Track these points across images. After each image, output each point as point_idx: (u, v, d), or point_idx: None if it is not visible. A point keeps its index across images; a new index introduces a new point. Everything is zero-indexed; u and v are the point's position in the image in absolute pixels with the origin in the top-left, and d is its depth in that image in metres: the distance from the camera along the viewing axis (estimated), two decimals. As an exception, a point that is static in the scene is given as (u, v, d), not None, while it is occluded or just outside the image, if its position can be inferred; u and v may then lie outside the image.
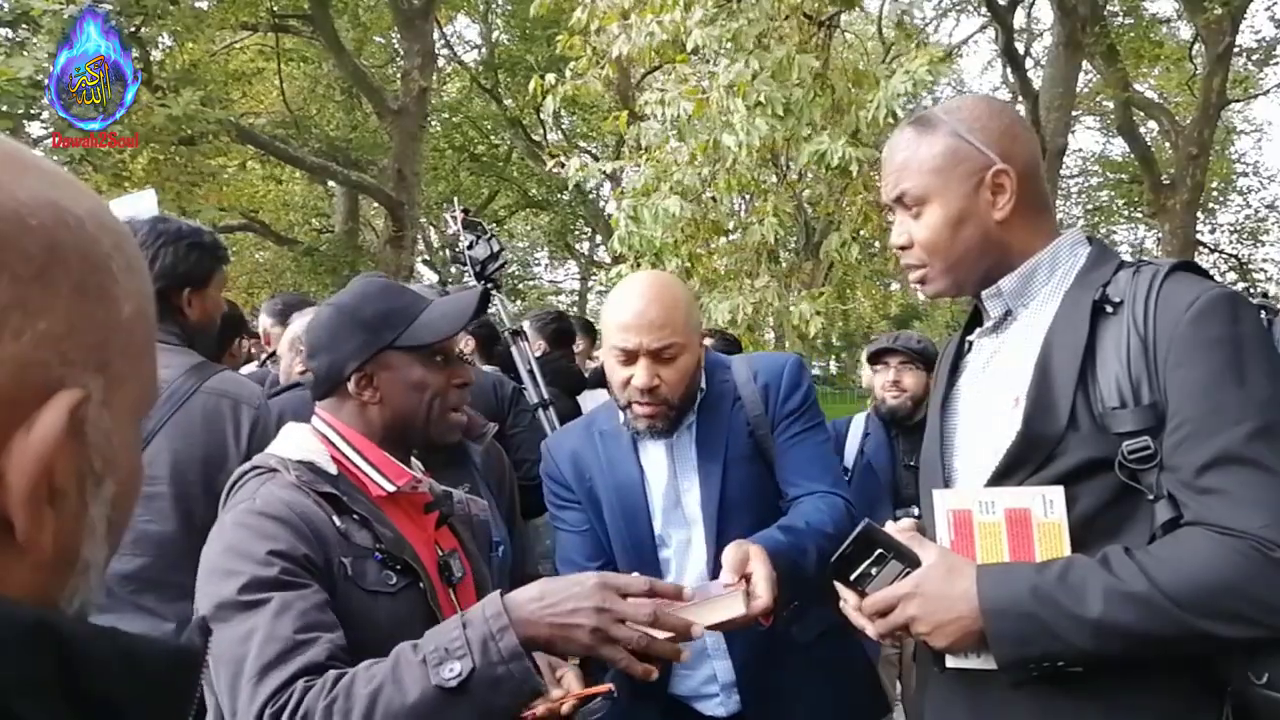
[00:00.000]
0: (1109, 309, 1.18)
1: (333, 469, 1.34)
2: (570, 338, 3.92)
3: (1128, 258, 1.30)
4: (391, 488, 1.35)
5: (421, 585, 1.30)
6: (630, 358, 1.68)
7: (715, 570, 1.65)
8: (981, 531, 1.21)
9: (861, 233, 5.39)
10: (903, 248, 1.33)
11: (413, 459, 1.49)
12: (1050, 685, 1.13)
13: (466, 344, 2.90)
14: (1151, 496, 1.11)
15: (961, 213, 1.26)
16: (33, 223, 0.41)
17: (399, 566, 1.28)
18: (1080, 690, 1.13)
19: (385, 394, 1.38)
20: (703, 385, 1.78)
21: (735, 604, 1.39)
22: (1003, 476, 1.21)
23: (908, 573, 1.21)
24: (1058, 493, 1.15)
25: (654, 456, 1.81)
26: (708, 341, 3.33)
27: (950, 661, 1.22)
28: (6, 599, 0.39)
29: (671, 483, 1.78)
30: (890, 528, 1.29)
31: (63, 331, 0.42)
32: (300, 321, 2.83)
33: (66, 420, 0.41)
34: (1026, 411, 1.18)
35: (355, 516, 1.29)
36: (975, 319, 1.40)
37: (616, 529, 1.79)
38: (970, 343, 1.39)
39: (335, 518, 1.27)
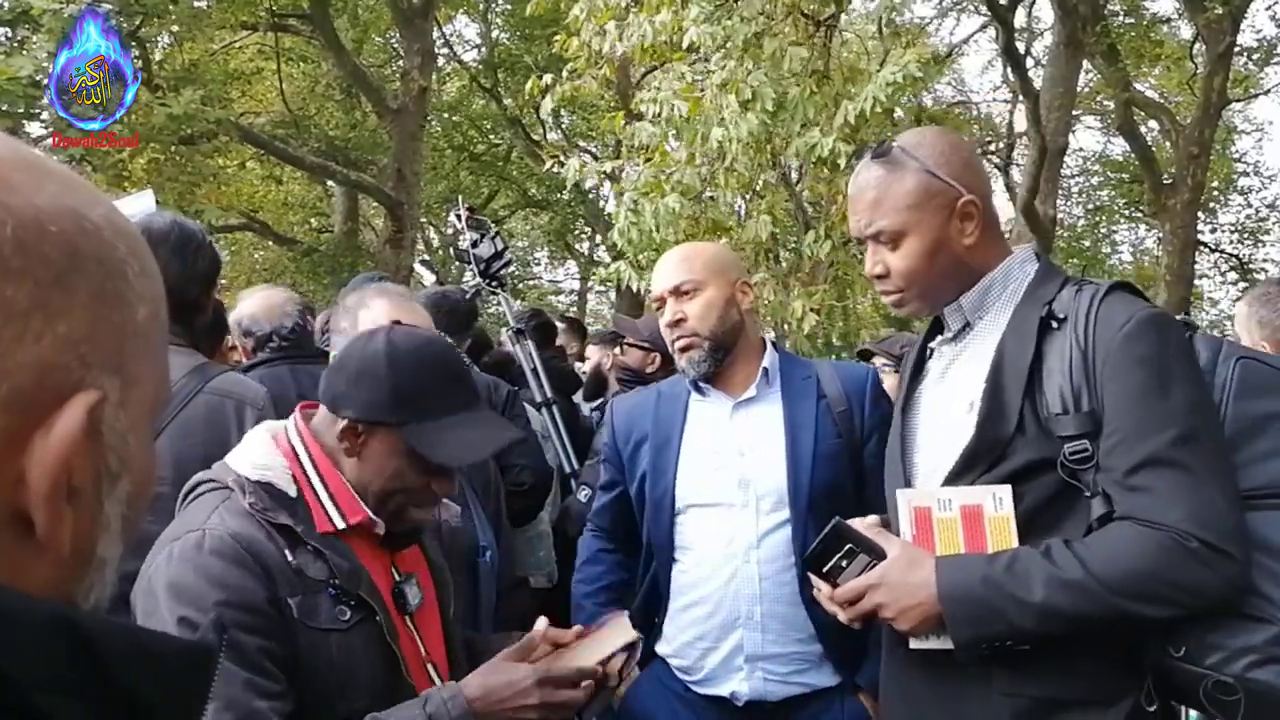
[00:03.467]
0: (1054, 324, 1.31)
1: (292, 490, 1.28)
2: (553, 333, 3.91)
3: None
4: (341, 525, 1.28)
5: (378, 618, 1.27)
6: (661, 304, 1.95)
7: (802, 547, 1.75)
8: (940, 526, 1.35)
9: (834, 232, 5.38)
10: (879, 276, 1.44)
11: None
12: (997, 663, 1.27)
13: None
14: (1089, 493, 1.24)
15: (936, 243, 1.38)
16: (53, 229, 0.43)
17: (353, 601, 1.25)
18: (1027, 666, 1.26)
19: (362, 456, 1.30)
20: (768, 365, 1.93)
21: (621, 630, 1.45)
22: (959, 474, 1.34)
23: (874, 565, 1.35)
24: (1006, 491, 1.29)
25: (706, 416, 1.93)
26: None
27: (913, 643, 1.35)
28: (25, 594, 0.40)
29: (722, 445, 1.88)
30: (857, 523, 1.41)
31: (81, 335, 0.43)
32: (244, 304, 2.82)
33: (85, 420, 0.42)
34: (980, 416, 1.32)
35: (310, 548, 1.24)
36: (936, 326, 1.52)
37: (647, 484, 1.93)
38: (931, 349, 1.51)
39: (288, 552, 1.22)
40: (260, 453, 1.31)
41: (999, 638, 1.24)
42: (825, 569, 1.37)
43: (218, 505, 1.24)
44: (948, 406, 1.41)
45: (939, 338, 1.49)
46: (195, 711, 0.45)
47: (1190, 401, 1.22)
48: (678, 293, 1.90)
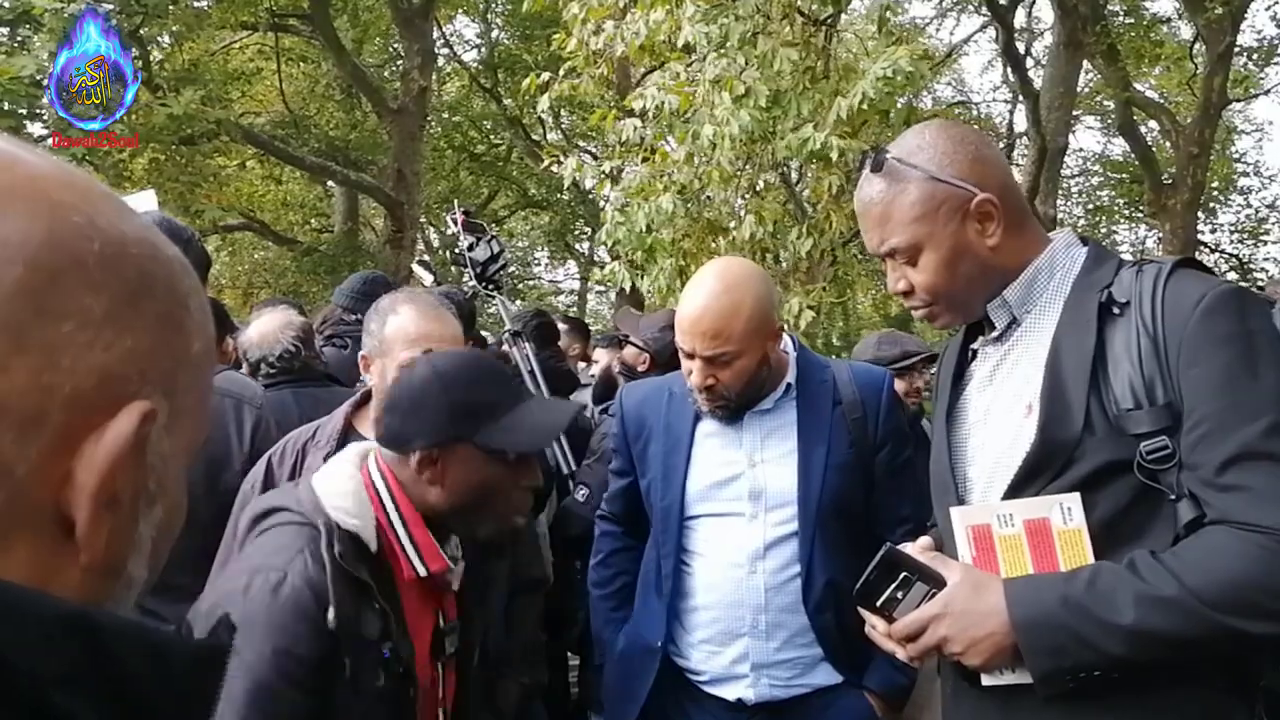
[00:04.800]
0: (1116, 310, 1.17)
1: (374, 544, 1.27)
2: (554, 334, 3.90)
3: (1126, 257, 1.29)
4: (424, 573, 1.30)
5: (411, 692, 1.27)
6: (690, 356, 1.80)
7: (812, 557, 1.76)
8: (1003, 545, 1.21)
9: (815, 230, 5.37)
10: (904, 293, 1.32)
11: None
12: (1083, 695, 1.12)
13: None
14: (1173, 496, 1.10)
15: (955, 251, 1.25)
16: (133, 252, 0.47)
17: (400, 668, 1.25)
18: (1115, 698, 1.11)
19: (447, 483, 1.31)
20: (791, 380, 1.88)
21: None
22: (1021, 484, 1.20)
23: (934, 593, 1.20)
24: (1075, 499, 1.15)
25: (718, 426, 1.89)
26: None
27: (985, 680, 1.20)
28: (44, 593, 0.41)
29: (734, 453, 1.86)
30: (909, 548, 1.27)
31: (144, 351, 0.46)
32: (261, 320, 2.84)
33: (137, 427, 0.45)
34: (1041, 418, 1.18)
35: (377, 607, 1.24)
36: (975, 326, 1.39)
37: (655, 489, 1.91)
38: (973, 351, 1.38)
39: (360, 608, 1.22)
40: (354, 498, 1.30)
41: (1084, 667, 1.09)
42: (879, 602, 1.22)
43: (303, 548, 1.22)
44: (1000, 412, 1.28)
45: (981, 338, 1.36)
46: (206, 709, 0.47)
47: None
48: (712, 361, 1.77)
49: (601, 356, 4.14)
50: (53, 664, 0.39)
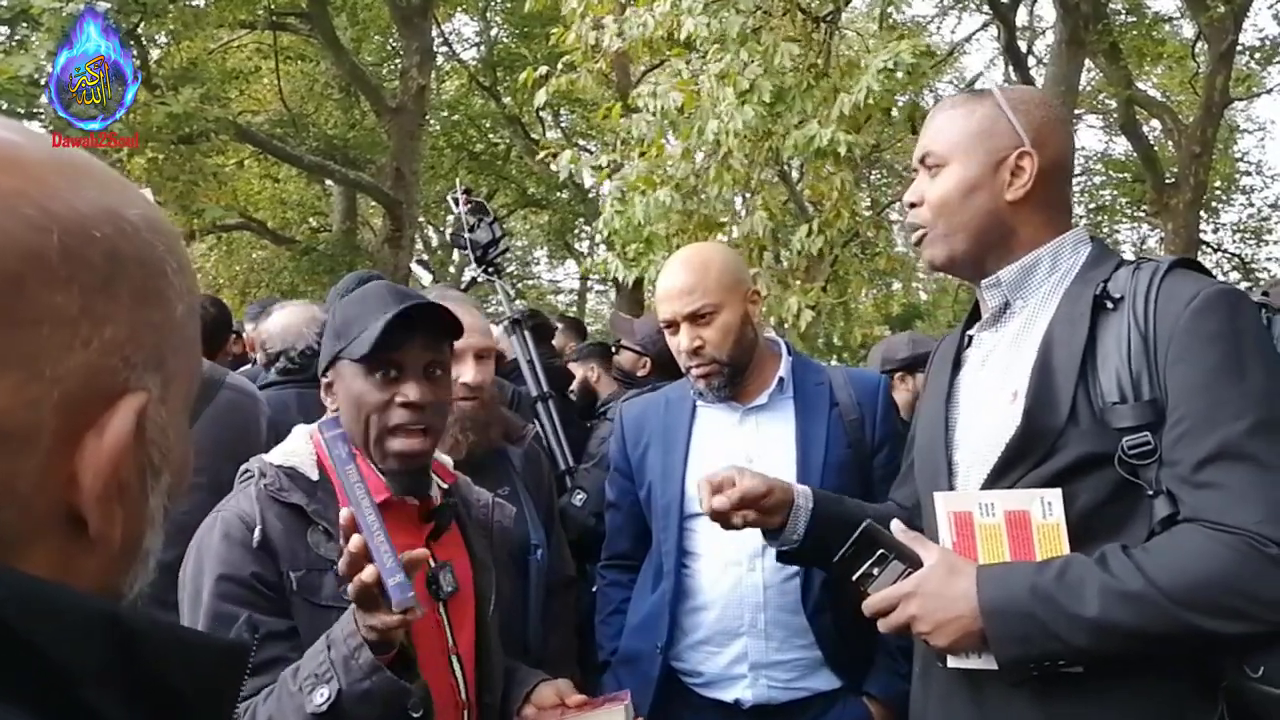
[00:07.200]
0: (1109, 305, 1.18)
1: (315, 474, 1.33)
2: (549, 333, 3.85)
3: (1129, 256, 1.29)
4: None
5: None
6: (674, 326, 1.84)
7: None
8: (982, 533, 1.23)
9: (829, 229, 5.32)
10: (913, 204, 1.35)
11: (443, 460, 1.49)
12: (1050, 684, 1.14)
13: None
14: (1151, 492, 1.11)
15: (976, 181, 1.27)
16: (96, 234, 0.43)
17: None
18: (1079, 689, 1.14)
19: (339, 404, 1.37)
20: (783, 374, 1.89)
21: (616, 716, 1.38)
22: (1002, 471, 1.22)
23: (909, 573, 1.22)
24: (1056, 495, 1.16)
25: (714, 421, 1.89)
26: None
27: (951, 662, 1.22)
28: (76, 592, 0.42)
29: (731, 451, 1.84)
30: (893, 527, 1.29)
31: (125, 337, 0.44)
32: (269, 320, 2.81)
33: (134, 423, 0.44)
34: (1027, 406, 1.18)
35: (321, 528, 1.29)
36: (975, 314, 1.42)
37: (655, 490, 1.90)
38: (971, 337, 1.41)
39: (303, 531, 1.29)
40: (293, 444, 1.39)
41: (1048, 657, 1.11)
42: (855, 577, 1.25)
43: (240, 490, 1.34)
44: (988, 396, 1.29)
45: (977, 324, 1.39)
46: (227, 705, 0.48)
47: (1268, 385, 1.07)
48: (694, 318, 1.80)
49: (576, 370, 3.95)
50: (85, 660, 0.40)
